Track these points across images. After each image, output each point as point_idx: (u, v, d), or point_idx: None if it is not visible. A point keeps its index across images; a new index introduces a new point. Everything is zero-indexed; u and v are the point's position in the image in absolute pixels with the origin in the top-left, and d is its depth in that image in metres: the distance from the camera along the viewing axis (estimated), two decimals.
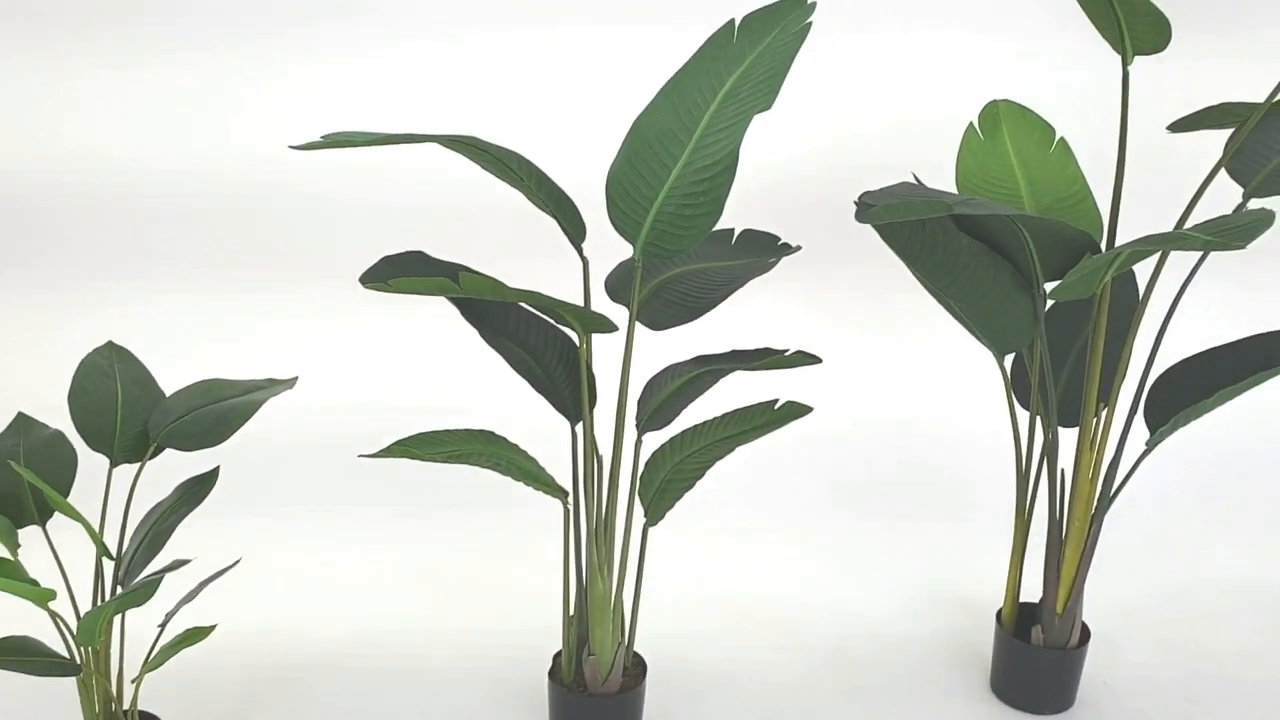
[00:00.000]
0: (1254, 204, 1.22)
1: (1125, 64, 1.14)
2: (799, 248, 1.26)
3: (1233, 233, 1.00)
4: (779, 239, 1.27)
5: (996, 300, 1.17)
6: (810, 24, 1.12)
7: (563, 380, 1.17)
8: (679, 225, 1.09)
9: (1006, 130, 1.34)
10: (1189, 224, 1.22)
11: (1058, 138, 1.36)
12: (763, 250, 1.26)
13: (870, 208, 1.05)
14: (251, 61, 1.71)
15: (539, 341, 1.16)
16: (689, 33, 1.45)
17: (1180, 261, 1.50)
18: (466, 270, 1.10)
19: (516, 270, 1.43)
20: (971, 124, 1.33)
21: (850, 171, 1.43)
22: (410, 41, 1.69)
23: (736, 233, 1.30)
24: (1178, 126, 1.49)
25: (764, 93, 1.08)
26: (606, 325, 1.12)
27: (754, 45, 1.11)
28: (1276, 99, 1.18)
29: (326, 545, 1.65)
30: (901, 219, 1.06)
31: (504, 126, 1.73)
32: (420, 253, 1.10)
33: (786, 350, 1.21)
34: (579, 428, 1.19)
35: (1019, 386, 1.36)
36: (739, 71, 1.10)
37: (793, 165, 1.71)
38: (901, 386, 1.74)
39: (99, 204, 1.71)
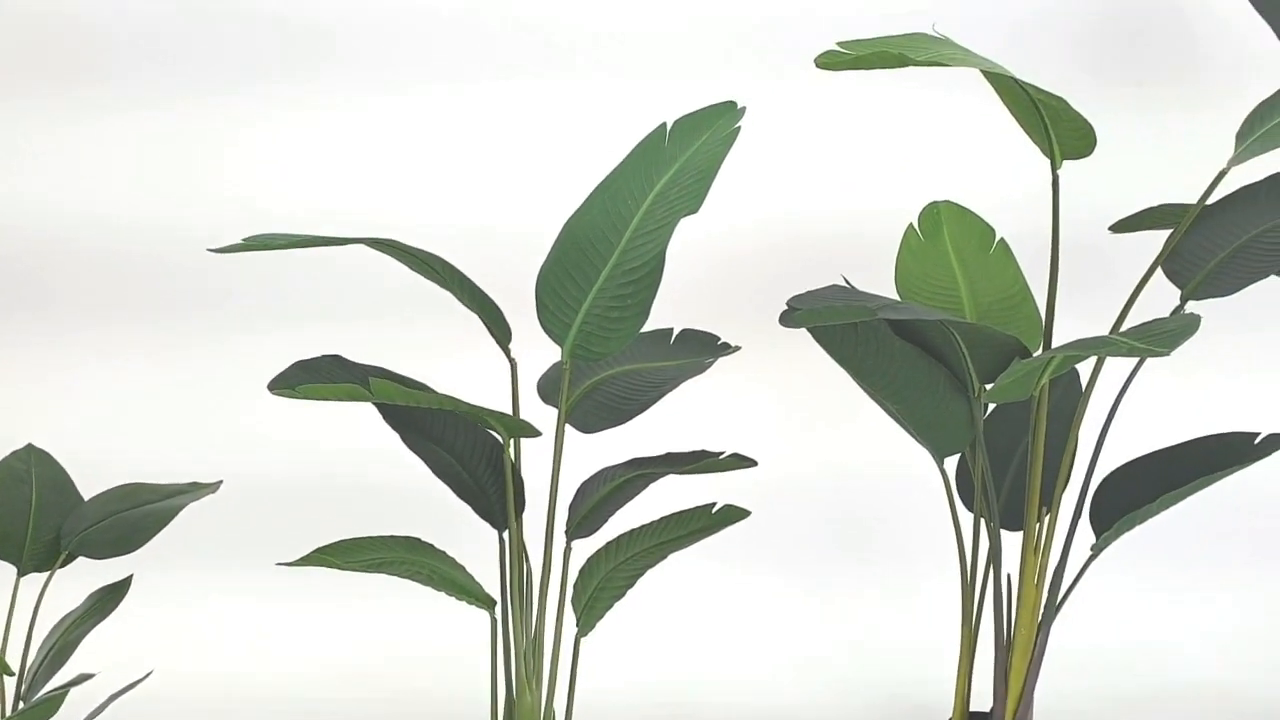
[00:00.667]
0: (1191, 306, 1.21)
1: (1054, 168, 1.14)
2: (738, 348, 1.25)
3: (1159, 338, 0.98)
4: (719, 339, 1.25)
5: (932, 403, 1.15)
6: (739, 128, 1.12)
7: (491, 485, 1.14)
8: (606, 328, 1.07)
9: (947, 231, 1.32)
10: (1124, 326, 1.21)
11: (998, 239, 1.34)
12: (701, 350, 1.24)
13: (796, 312, 1.05)
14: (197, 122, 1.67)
15: (466, 445, 1.13)
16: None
17: (1125, 362, 1.49)
18: (381, 375, 1.08)
19: (453, 367, 1.41)
20: (912, 225, 1.31)
21: (791, 268, 1.42)
22: (384, 96, 1.66)
23: (676, 332, 1.29)
24: (1119, 227, 1.48)
25: (692, 196, 1.06)
26: (529, 430, 1.09)
27: (684, 148, 1.10)
28: (1208, 201, 1.18)
29: (243, 651, 1.59)
30: (825, 323, 1.06)
31: (463, 191, 1.69)
32: (335, 357, 1.08)
33: (721, 453, 1.19)
34: (507, 535, 1.16)
35: (965, 487, 1.34)
36: (669, 175, 1.08)
37: (735, 262, 1.68)
38: (842, 485, 1.69)
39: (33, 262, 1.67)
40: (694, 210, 1.07)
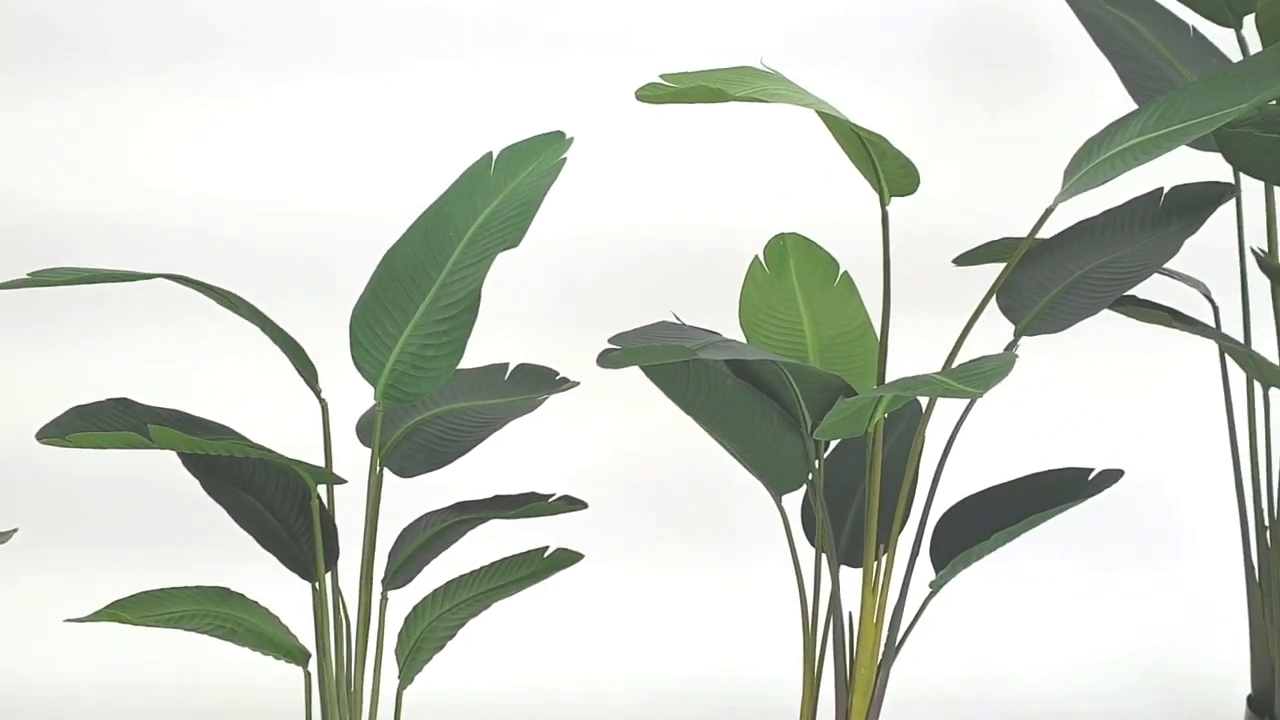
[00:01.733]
0: (1025, 342, 1.20)
1: (883, 204, 1.11)
2: (576, 383, 1.21)
3: (975, 378, 0.95)
4: (557, 373, 1.20)
5: (766, 440, 1.11)
6: (565, 159, 1.07)
7: (303, 533, 1.07)
8: (419, 367, 1.01)
9: (793, 264, 1.28)
10: (959, 361, 1.20)
11: (841, 272, 1.31)
12: (538, 386, 1.19)
13: (613, 352, 1.00)
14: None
15: (274, 490, 1.05)
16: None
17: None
18: (171, 418, 1.00)
19: (278, 403, 1.35)
20: (757, 258, 1.27)
21: (630, 302, 1.39)
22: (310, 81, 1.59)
23: (511, 367, 1.24)
24: (963, 260, 1.47)
25: (513, 229, 1.01)
26: (332, 478, 1.03)
27: (510, 178, 1.04)
28: (1039, 235, 1.17)
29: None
30: (643, 364, 1.02)
31: (358, 179, 1.62)
32: (122, 400, 1.01)
33: (551, 495, 1.14)
34: (319, 585, 1.09)
35: (811, 522, 1.31)
36: (492, 206, 1.03)
37: (573, 296, 1.65)
38: (685, 523, 1.66)
39: None
40: (514, 244, 1.02)
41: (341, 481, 1.04)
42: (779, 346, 1.23)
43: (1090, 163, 1.08)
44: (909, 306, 1.43)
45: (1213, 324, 1.33)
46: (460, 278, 1.00)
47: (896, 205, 1.13)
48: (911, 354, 1.33)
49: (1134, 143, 1.04)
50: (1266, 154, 1.15)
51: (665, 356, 0.98)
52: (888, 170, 1.08)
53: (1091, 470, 1.19)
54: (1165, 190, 1.25)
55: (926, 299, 1.47)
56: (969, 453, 1.30)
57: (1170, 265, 1.33)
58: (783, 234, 1.30)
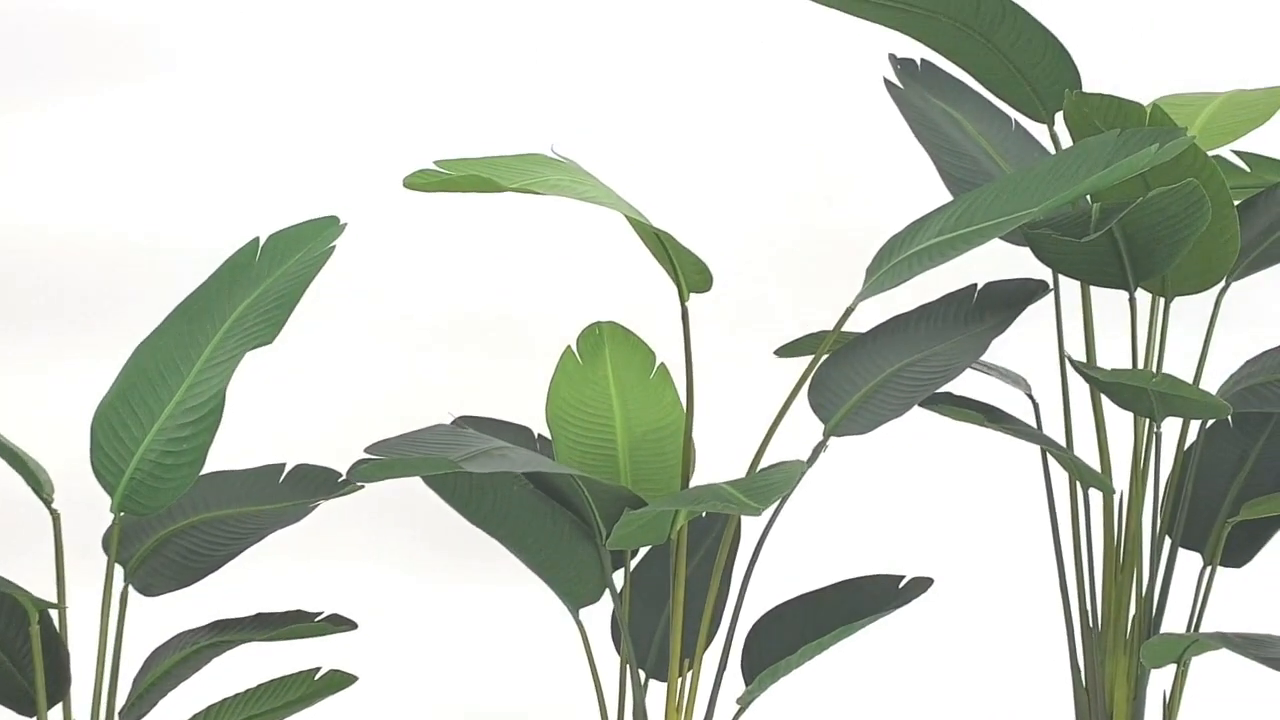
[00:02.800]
0: (833, 442, 1.15)
1: (682, 300, 1.05)
2: (360, 486, 1.12)
3: (758, 492, 0.89)
4: (340, 475, 1.10)
5: (559, 550, 1.03)
6: (334, 247, 1.00)
7: (29, 663, 0.93)
8: (157, 477, 0.91)
9: (609, 354, 1.21)
10: (764, 463, 1.14)
11: (658, 364, 1.24)
12: (316, 490, 1.09)
13: (364, 465, 0.91)
14: None
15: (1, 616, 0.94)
16: None
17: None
18: None
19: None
20: (570, 348, 1.18)
21: (430, 398, 1.31)
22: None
23: (288, 468, 1.14)
24: (783, 351, 1.43)
25: (270, 324, 0.91)
26: (51, 605, 0.90)
27: (276, 266, 0.95)
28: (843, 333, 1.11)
29: None
30: (397, 476, 0.94)
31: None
32: None
33: (319, 614, 1.03)
34: None
35: (619, 634, 1.23)
36: (251, 297, 0.93)
37: (374, 389, 1.58)
38: (469, 643, 1.56)
39: None
40: (268, 341, 0.93)
41: (55, 607, 0.91)
42: (587, 443, 1.14)
43: (890, 261, 1.02)
44: (733, 397, 1.38)
45: (1034, 421, 1.28)
46: (208, 377, 0.90)
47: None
48: (739, 445, 1.27)
49: (931, 243, 1.00)
50: (1070, 254, 1.11)
51: (423, 469, 0.89)
52: (684, 266, 1.02)
53: (903, 578, 1.15)
54: (979, 286, 1.22)
55: (753, 389, 1.43)
56: (783, 556, 1.25)
57: (997, 360, 1.32)
58: (599, 322, 1.22)
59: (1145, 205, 1.04)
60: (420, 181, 0.90)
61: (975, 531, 1.62)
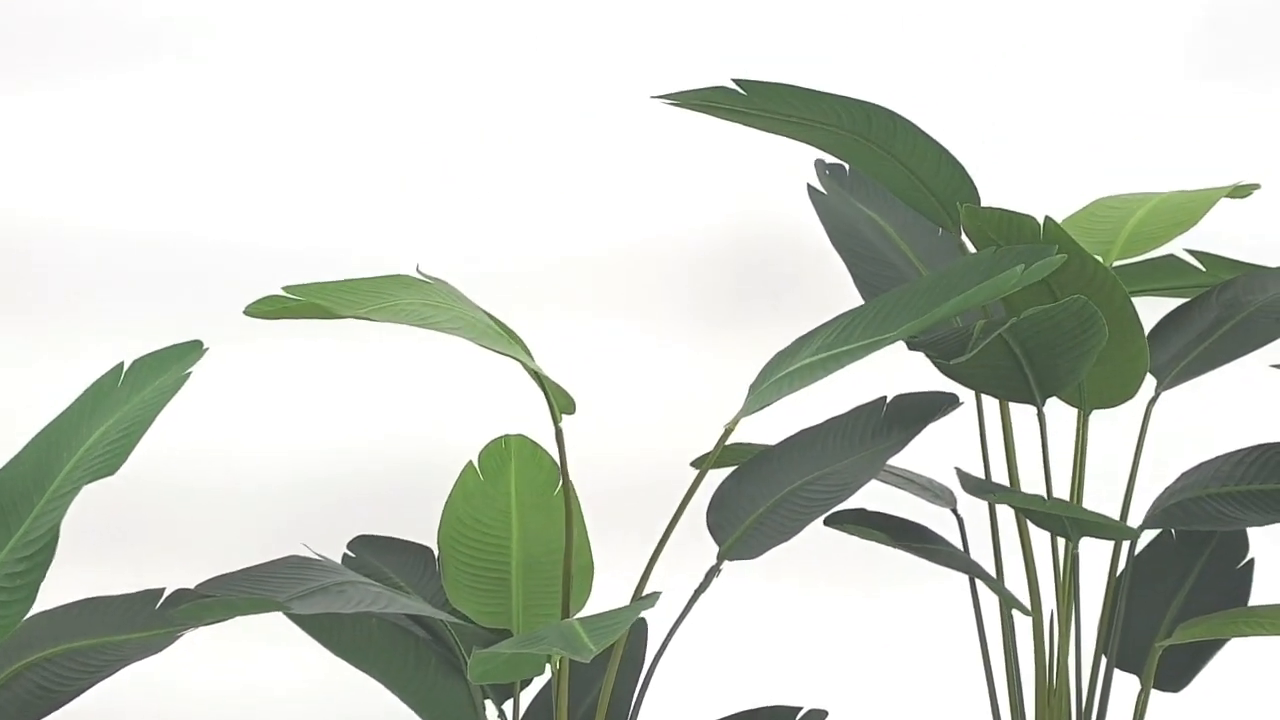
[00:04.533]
0: (727, 566, 1.09)
1: (555, 421, 0.98)
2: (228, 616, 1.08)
3: (597, 633, 0.82)
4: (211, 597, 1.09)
5: (424, 684, 0.97)
6: (190, 373, 0.96)
7: None
8: None
9: (514, 469, 1.15)
10: (649, 588, 1.09)
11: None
12: (191, 616, 1.08)
13: (181, 607, 0.87)
14: None
15: None
16: None
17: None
18: None
19: None
20: (471, 464, 1.13)
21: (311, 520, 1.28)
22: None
23: (167, 593, 1.11)
24: (700, 463, 1.37)
25: (114, 455, 0.87)
26: None
27: (133, 394, 0.92)
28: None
29: None
30: (216, 620, 0.90)
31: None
32: None
33: None
34: None
35: None
36: (105, 425, 0.90)
37: (263, 511, 1.54)
38: None
39: None
40: (110, 472, 0.88)
41: None
42: (479, 565, 1.09)
43: (769, 379, 0.97)
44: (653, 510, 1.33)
45: (959, 537, 1.20)
46: (51, 510, 0.86)
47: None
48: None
49: (806, 362, 0.94)
50: (971, 370, 1.05)
51: (245, 609, 0.84)
52: (549, 386, 0.97)
53: (799, 709, 1.08)
54: (889, 399, 1.15)
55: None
56: (689, 683, 1.19)
57: (922, 471, 1.24)
58: (506, 436, 1.19)
59: (1038, 319, 0.99)
60: (261, 310, 0.88)
61: (904, 654, 1.54)
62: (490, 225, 1.58)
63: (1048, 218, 1.03)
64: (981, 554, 1.27)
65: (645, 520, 1.27)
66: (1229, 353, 1.18)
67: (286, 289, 0.88)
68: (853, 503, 1.19)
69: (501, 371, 1.38)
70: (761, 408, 0.95)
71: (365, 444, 1.48)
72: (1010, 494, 1.09)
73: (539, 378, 0.94)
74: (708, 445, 1.28)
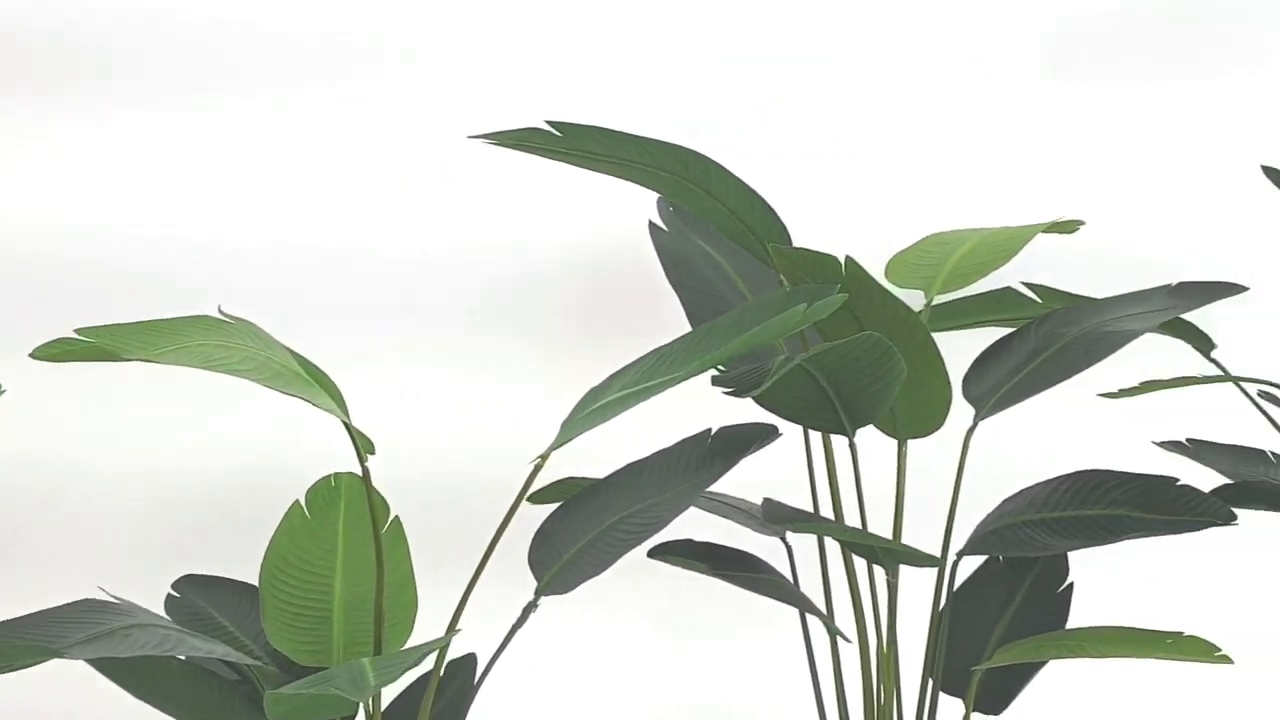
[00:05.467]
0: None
1: (361, 461, 1.00)
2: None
3: (384, 670, 0.83)
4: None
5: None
6: None
7: None
8: None
9: (344, 506, 1.14)
10: (459, 624, 1.09)
11: (392, 517, 1.18)
12: None
13: None
14: None
15: None
16: None
17: None
18: None
19: None
20: (298, 502, 1.12)
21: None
22: None
23: None
24: (536, 498, 1.37)
25: None
26: None
27: None
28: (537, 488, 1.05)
29: None
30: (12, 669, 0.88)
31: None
32: None
33: None
34: None
35: None
36: None
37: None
38: None
39: None
40: None
41: None
42: (300, 603, 1.08)
43: (579, 414, 0.98)
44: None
45: (789, 567, 1.21)
46: None
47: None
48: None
49: (615, 396, 0.94)
50: (782, 401, 1.07)
51: (19, 658, 0.81)
52: (353, 430, 0.96)
53: None
54: (714, 430, 1.15)
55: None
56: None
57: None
58: (338, 474, 1.17)
59: (836, 353, 1.02)
60: (49, 353, 0.86)
61: (736, 679, 1.56)
62: (330, 246, 1.58)
63: (848, 257, 1.06)
64: (816, 582, 1.30)
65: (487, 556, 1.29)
66: (1044, 382, 1.22)
67: (78, 330, 0.87)
68: (679, 533, 1.21)
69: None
70: (565, 442, 0.95)
71: (207, 475, 1.48)
72: (810, 523, 1.10)
73: (344, 423, 0.94)
74: (558, 476, 1.32)
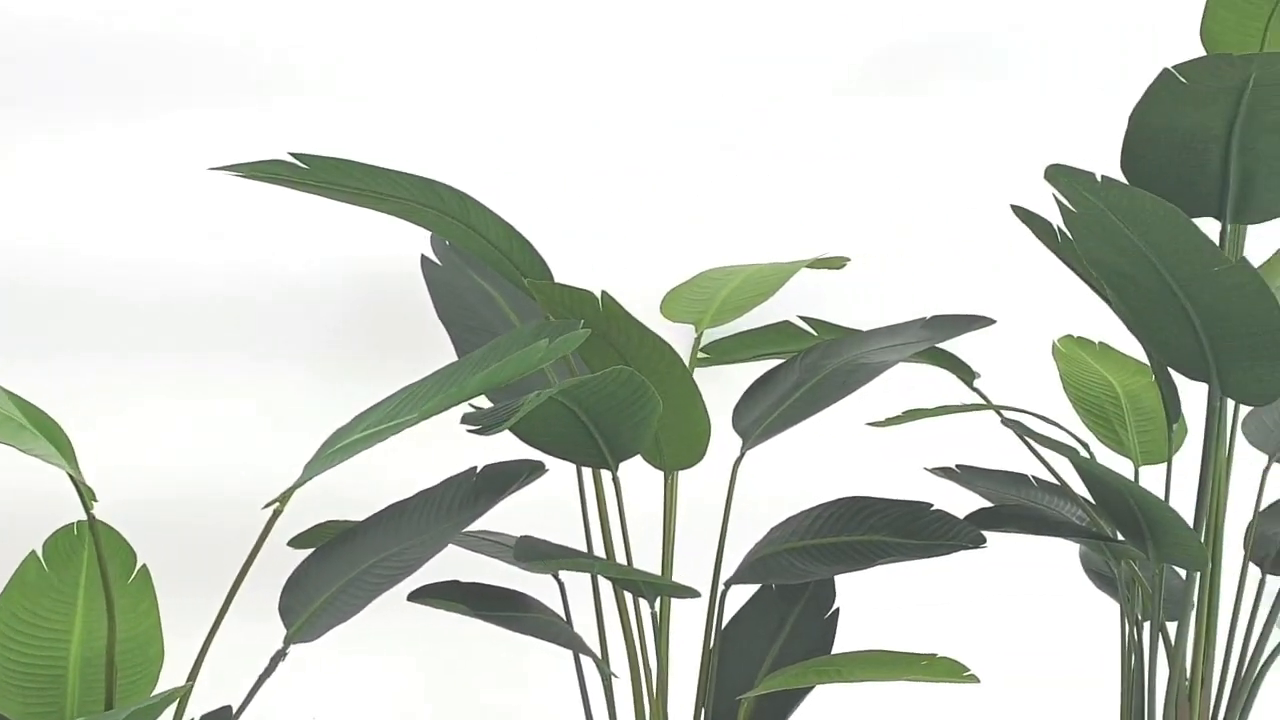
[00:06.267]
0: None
1: (87, 510, 0.94)
2: None
3: None
4: None
5: None
6: None
7: None
8: None
9: (87, 557, 1.06)
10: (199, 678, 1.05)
11: (140, 565, 1.09)
12: None
13: None
14: None
15: None
16: None
17: None
18: None
19: None
20: (34, 553, 1.05)
21: None
22: None
23: None
24: (295, 542, 1.30)
25: None
26: None
27: None
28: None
29: None
30: None
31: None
32: None
33: None
34: None
35: None
36: None
37: None
38: None
39: None
40: None
41: None
42: (30, 661, 1.01)
43: (324, 453, 0.94)
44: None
45: (561, 604, 1.19)
46: None
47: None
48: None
49: (358, 436, 0.91)
50: (544, 436, 1.07)
51: None
52: (79, 481, 0.91)
53: None
54: (479, 469, 1.13)
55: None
56: None
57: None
58: (81, 521, 1.12)
59: (590, 388, 1.02)
60: None
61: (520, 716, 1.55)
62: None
63: (604, 292, 1.05)
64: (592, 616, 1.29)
65: (249, 602, 1.23)
66: (806, 411, 1.24)
67: None
68: (442, 574, 1.19)
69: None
70: (304, 483, 0.91)
71: None
72: (563, 560, 1.08)
73: (69, 474, 0.88)
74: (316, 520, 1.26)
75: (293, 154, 1.01)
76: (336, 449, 0.92)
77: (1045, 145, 1.59)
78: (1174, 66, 1.02)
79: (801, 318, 1.49)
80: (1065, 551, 1.54)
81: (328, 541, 1.08)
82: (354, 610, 0.98)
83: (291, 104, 1.51)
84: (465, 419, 1.00)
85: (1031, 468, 1.44)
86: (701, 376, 1.49)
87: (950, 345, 1.36)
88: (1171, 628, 1.33)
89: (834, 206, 1.68)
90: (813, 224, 1.70)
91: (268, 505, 0.93)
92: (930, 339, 1.27)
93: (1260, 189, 1.12)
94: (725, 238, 1.63)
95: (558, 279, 1.13)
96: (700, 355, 1.51)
